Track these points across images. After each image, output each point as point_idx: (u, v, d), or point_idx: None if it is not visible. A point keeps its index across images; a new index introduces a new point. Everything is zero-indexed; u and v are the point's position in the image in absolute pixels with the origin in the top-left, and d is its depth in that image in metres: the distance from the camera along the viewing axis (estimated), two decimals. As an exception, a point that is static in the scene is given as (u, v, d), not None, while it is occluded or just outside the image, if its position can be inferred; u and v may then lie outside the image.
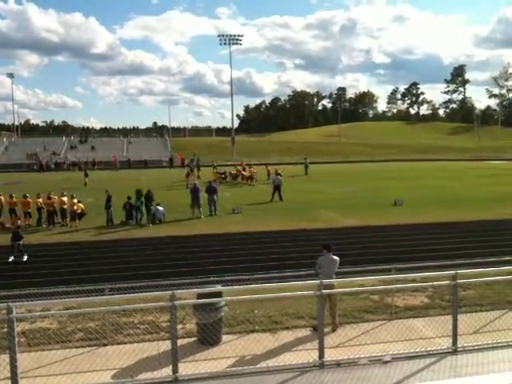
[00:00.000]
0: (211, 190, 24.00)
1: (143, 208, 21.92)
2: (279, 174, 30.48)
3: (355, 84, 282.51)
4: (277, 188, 28.22)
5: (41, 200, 21.48)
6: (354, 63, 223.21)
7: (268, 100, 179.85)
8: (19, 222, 16.34)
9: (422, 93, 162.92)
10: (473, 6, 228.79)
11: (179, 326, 7.98)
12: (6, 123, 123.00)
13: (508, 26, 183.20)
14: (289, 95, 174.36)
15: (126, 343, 8.48)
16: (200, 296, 8.02)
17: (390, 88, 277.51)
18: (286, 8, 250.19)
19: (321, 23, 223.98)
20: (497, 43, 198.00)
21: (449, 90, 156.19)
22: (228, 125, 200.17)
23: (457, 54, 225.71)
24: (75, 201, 21.62)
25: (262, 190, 32.07)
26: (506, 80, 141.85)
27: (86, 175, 40.99)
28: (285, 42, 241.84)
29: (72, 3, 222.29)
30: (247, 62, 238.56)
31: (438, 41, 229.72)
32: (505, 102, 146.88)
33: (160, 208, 21.97)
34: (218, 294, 8.07)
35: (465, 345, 7.67)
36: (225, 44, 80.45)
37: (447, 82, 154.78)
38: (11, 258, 15.39)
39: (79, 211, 21.50)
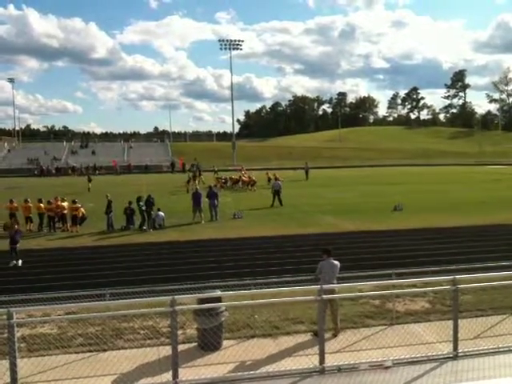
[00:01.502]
0: (212, 195, 24.04)
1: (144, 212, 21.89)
2: (279, 179, 30.55)
3: (355, 89, 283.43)
4: (276, 193, 28.30)
5: (42, 205, 21.51)
6: (354, 68, 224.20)
7: (268, 105, 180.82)
8: (16, 226, 16.32)
9: (422, 98, 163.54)
10: (471, 12, 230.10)
11: (180, 332, 7.97)
12: (7, 128, 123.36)
13: (507, 31, 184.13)
14: (289, 100, 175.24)
15: (126, 348, 8.47)
16: (200, 301, 8.02)
17: (389, 93, 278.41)
18: (284, 13, 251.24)
19: (320, 28, 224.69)
20: (496, 48, 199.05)
21: (449, 95, 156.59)
22: (228, 130, 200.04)
23: (456, 59, 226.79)
24: (77, 205, 21.63)
25: (263, 195, 32.06)
26: (506, 85, 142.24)
27: (90, 180, 41.02)
28: (284, 47, 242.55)
29: (72, 8, 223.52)
30: (247, 66, 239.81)
31: (437, 46, 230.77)
32: (505, 107, 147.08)
33: (160, 213, 21.98)
34: (218, 300, 8.07)
35: (466, 350, 7.65)
36: (225, 49, 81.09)
37: (447, 86, 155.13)
38: (11, 263, 15.38)
39: (80, 215, 21.52)
